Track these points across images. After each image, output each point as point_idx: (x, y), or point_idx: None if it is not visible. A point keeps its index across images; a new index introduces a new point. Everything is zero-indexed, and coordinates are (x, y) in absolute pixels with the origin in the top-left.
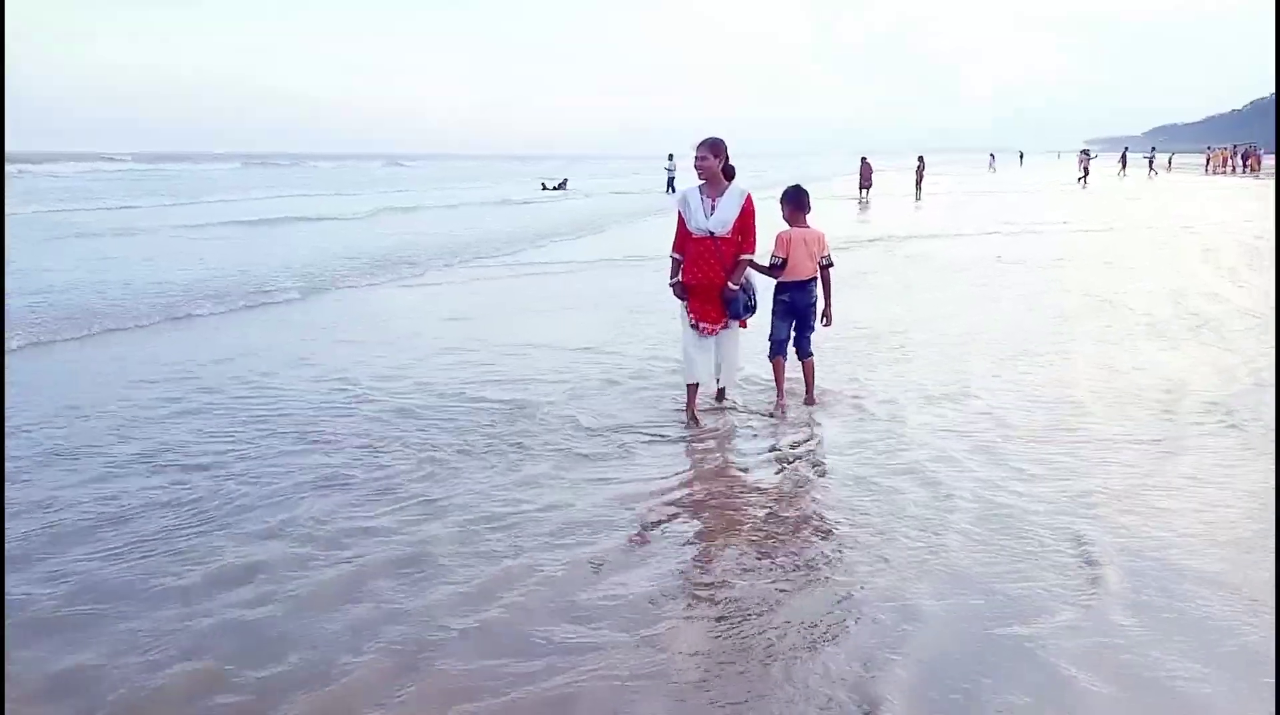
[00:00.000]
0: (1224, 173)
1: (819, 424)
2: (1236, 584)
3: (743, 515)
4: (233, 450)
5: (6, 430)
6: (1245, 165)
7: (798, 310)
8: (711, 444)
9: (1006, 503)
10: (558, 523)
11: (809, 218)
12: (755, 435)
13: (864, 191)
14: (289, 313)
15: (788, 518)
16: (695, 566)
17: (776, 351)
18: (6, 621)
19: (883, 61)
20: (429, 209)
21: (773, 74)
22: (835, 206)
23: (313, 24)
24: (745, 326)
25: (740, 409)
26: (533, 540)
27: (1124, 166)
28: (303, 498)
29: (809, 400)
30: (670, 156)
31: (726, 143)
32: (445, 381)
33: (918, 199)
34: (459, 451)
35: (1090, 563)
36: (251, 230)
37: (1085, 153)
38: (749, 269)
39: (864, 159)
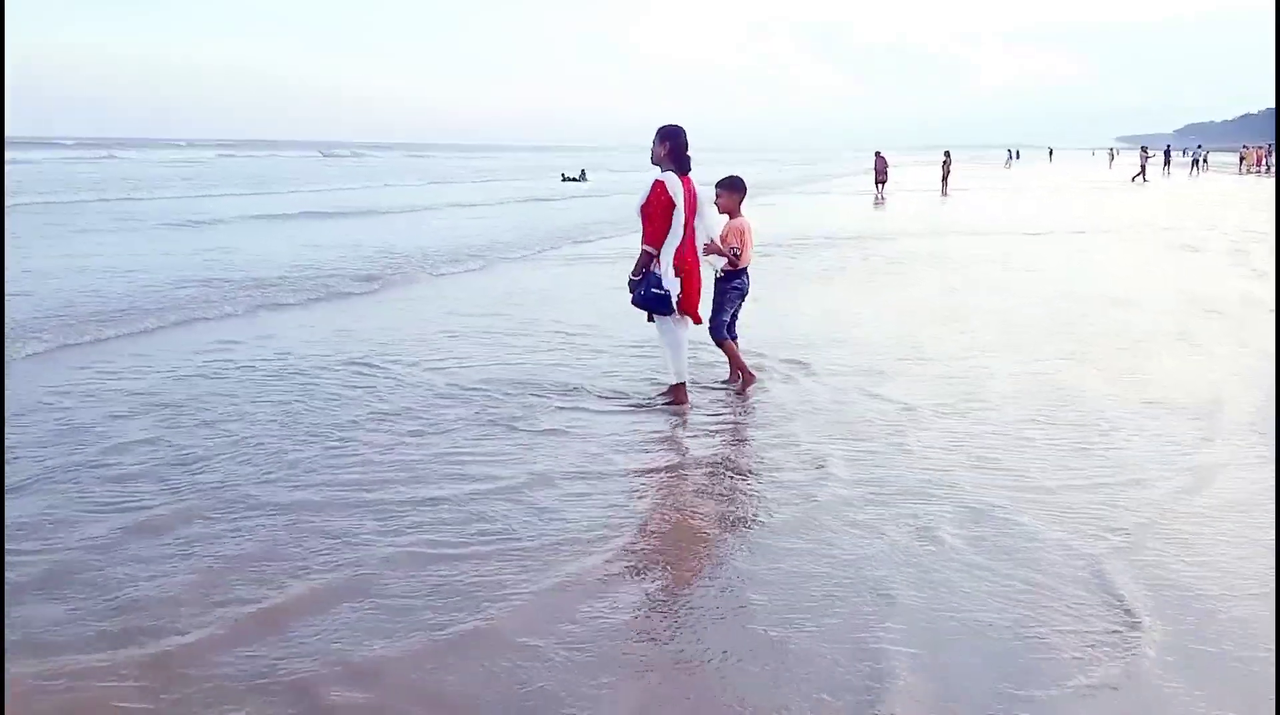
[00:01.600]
0: (1259, 171)
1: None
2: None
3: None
4: None
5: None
6: None
7: (744, 295)
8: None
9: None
10: None
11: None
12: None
13: (879, 187)
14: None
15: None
16: None
17: (723, 333)
18: None
19: (900, 62)
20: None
21: (785, 76)
22: (848, 202)
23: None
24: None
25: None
26: None
27: (1168, 163)
28: None
29: (749, 377)
30: None
31: (682, 132)
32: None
33: (944, 194)
34: None
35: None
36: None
37: (1144, 149)
38: (709, 257)
39: (878, 153)
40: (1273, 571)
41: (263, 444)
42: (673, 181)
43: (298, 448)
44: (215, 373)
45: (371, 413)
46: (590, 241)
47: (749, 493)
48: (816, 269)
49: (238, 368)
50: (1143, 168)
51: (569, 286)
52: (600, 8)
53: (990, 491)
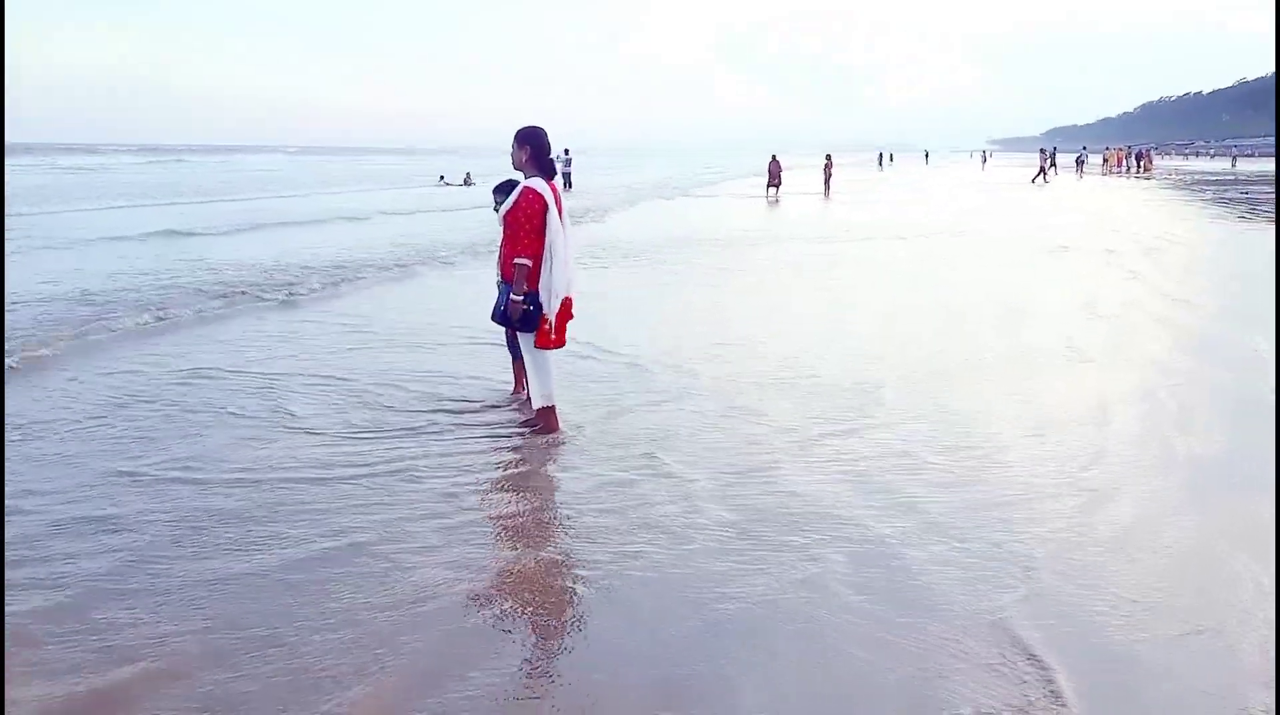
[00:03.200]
0: (1119, 172)
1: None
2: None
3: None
4: None
5: None
6: (1139, 165)
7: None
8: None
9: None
10: None
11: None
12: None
13: (772, 189)
14: None
15: None
16: None
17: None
18: None
19: (798, 72)
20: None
21: (694, 82)
22: (740, 204)
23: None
24: (536, 341)
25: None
26: None
27: (1054, 165)
28: None
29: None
30: (566, 151)
31: (542, 133)
32: None
33: (827, 197)
34: None
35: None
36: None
37: (1044, 151)
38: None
39: (774, 157)
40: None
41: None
42: (544, 189)
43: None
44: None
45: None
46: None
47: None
48: (692, 275)
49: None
50: (1043, 169)
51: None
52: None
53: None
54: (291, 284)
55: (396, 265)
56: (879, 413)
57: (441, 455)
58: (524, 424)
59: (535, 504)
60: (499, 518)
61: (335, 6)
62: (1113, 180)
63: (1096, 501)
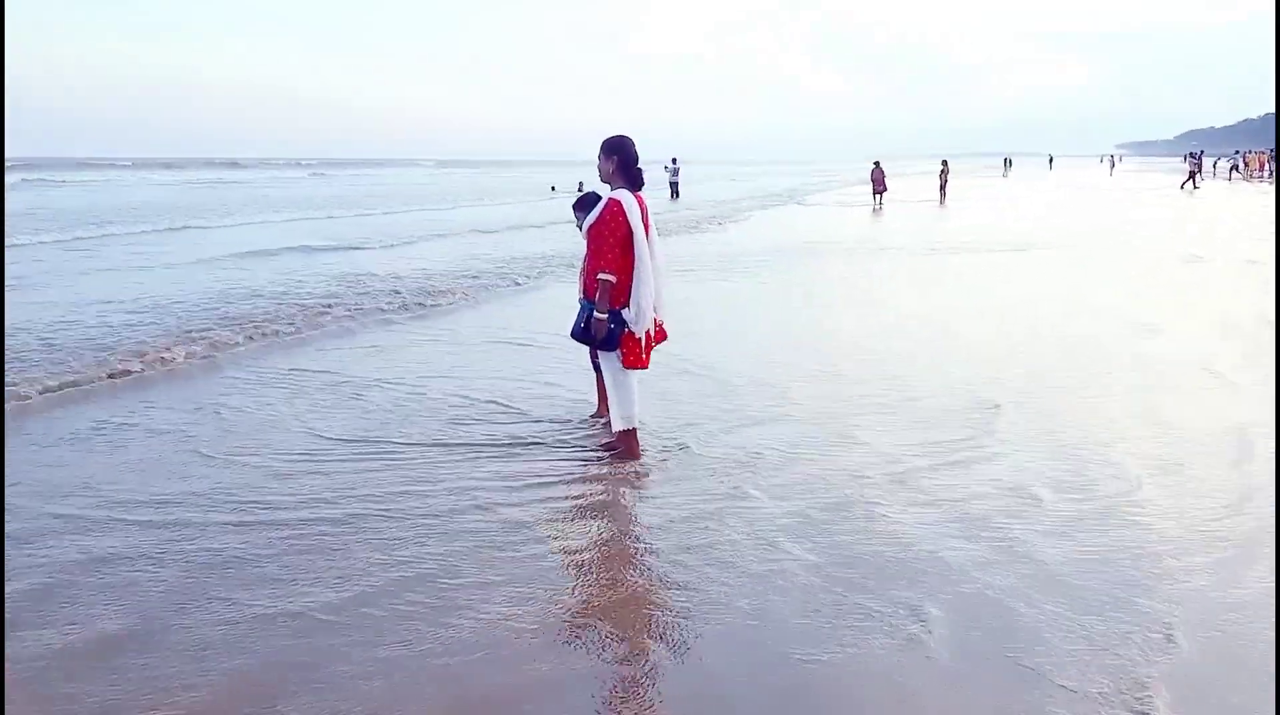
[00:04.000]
0: (1261, 177)
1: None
2: None
3: None
4: None
5: None
6: None
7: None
8: None
9: None
10: None
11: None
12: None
13: (877, 197)
14: None
15: None
16: None
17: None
18: None
19: (903, 71)
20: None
21: (786, 84)
22: (847, 213)
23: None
24: (624, 360)
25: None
26: None
27: (1199, 171)
28: None
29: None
30: (674, 160)
31: (629, 143)
32: None
33: (942, 205)
34: None
35: None
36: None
37: (1191, 155)
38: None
39: (875, 164)
40: None
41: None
42: (629, 201)
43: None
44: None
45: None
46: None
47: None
48: (804, 282)
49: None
50: (1192, 175)
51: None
52: (600, 11)
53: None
54: (396, 294)
55: (513, 280)
56: (991, 442)
57: (513, 478)
58: (604, 447)
59: (607, 538)
60: (568, 553)
61: (461, 28)
62: (1246, 186)
63: (1245, 555)
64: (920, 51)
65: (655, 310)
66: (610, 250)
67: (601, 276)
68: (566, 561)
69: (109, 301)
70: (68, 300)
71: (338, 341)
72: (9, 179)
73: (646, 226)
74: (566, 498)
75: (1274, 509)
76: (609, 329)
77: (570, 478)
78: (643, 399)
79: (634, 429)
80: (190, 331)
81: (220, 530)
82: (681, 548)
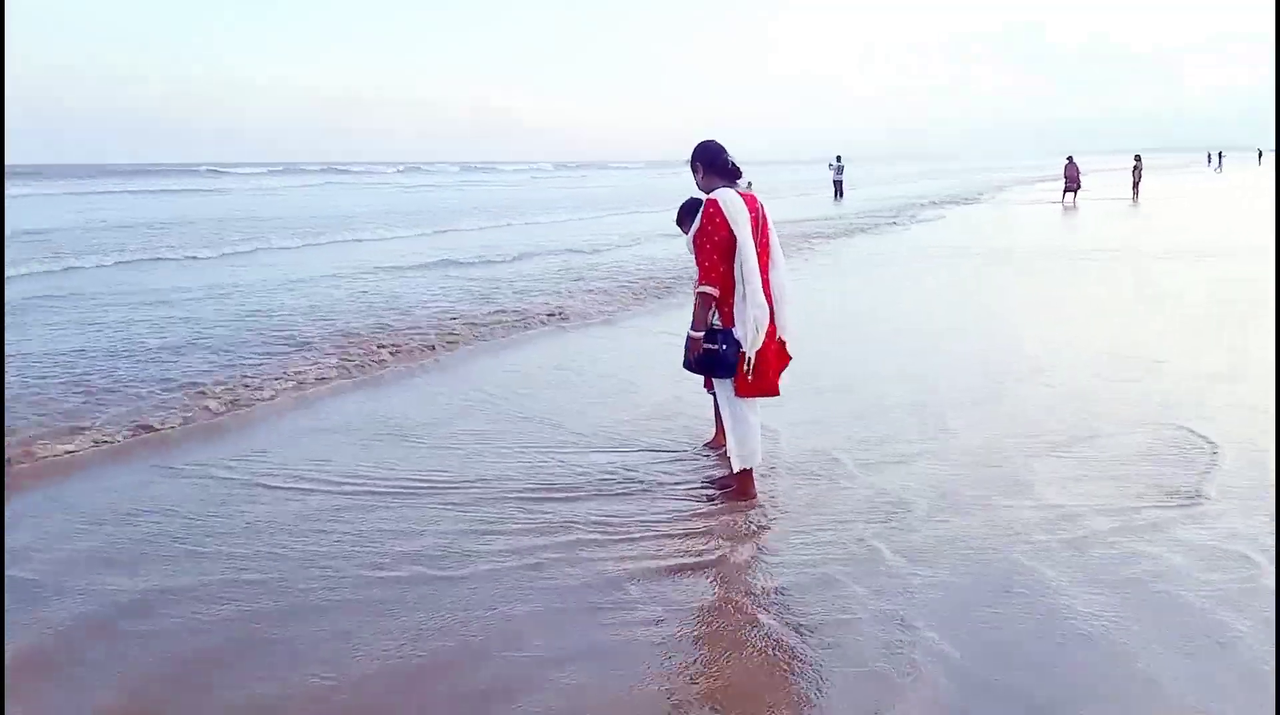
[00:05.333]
0: None
1: None
2: None
3: None
4: None
5: None
6: None
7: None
8: None
9: None
10: None
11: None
12: None
13: (1070, 195)
14: None
15: None
16: None
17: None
18: None
19: (1091, 60)
20: None
21: (968, 76)
22: (1034, 212)
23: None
24: (740, 387)
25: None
26: None
27: None
28: None
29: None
30: (838, 158)
31: (714, 146)
32: None
33: (1135, 202)
34: None
35: None
36: None
37: None
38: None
39: (1070, 159)
40: None
41: None
42: (729, 200)
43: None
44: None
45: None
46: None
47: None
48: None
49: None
50: None
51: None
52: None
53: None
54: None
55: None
56: (1200, 499)
57: (606, 522)
58: (715, 484)
59: (707, 605)
60: (653, 624)
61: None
62: None
63: None
64: (1105, 48)
65: (779, 330)
66: (707, 257)
67: (700, 289)
68: (648, 636)
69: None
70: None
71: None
72: (134, 186)
73: (761, 230)
74: (668, 546)
75: (1274, 509)
76: (719, 352)
77: (675, 522)
78: (770, 422)
79: (751, 470)
80: None
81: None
82: (792, 626)
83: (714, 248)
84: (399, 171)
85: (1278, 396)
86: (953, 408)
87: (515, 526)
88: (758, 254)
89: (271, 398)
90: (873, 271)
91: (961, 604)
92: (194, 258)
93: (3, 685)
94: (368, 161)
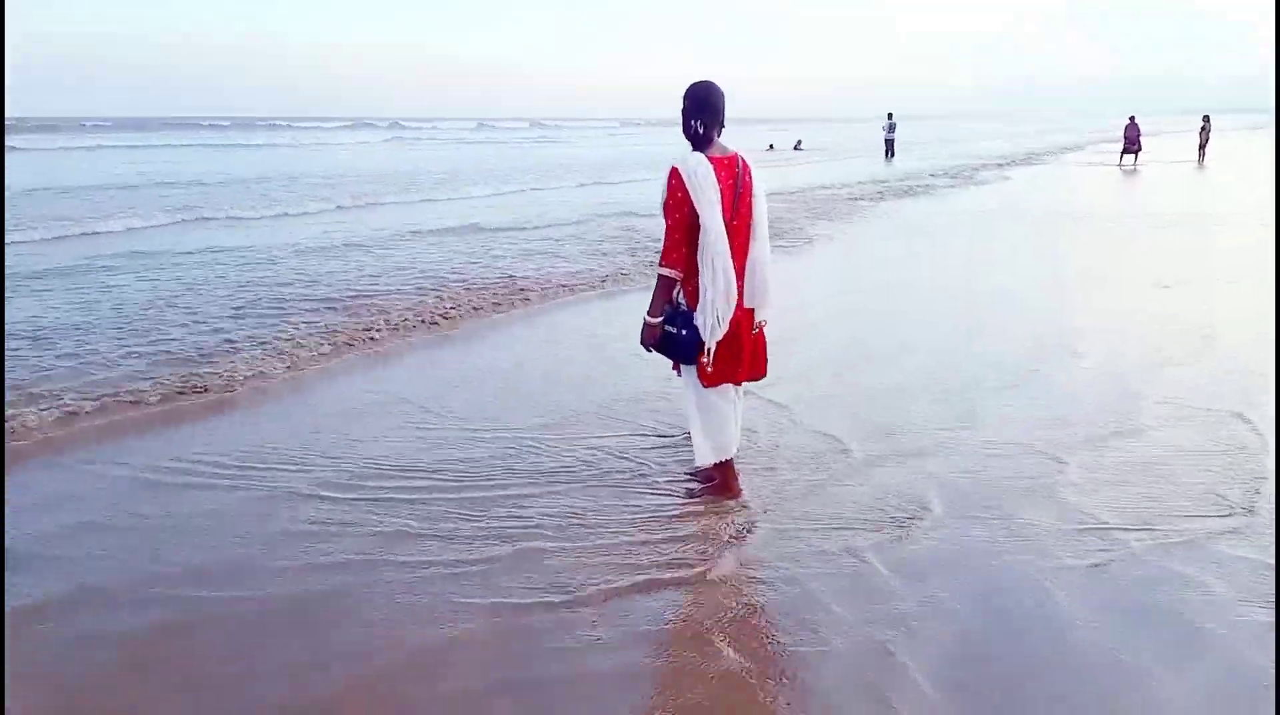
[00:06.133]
0: None
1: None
2: None
3: None
4: None
5: None
6: None
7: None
8: None
9: None
10: None
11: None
12: None
13: (1129, 157)
14: None
15: None
16: None
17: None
18: None
19: (1156, 19)
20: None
21: (1030, 37)
22: (1094, 174)
23: None
24: (704, 377)
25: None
26: None
27: None
28: None
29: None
30: (889, 116)
31: (707, 91)
32: None
33: (1200, 164)
34: None
35: None
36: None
37: None
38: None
39: (1131, 119)
40: None
41: None
42: (693, 169)
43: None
44: None
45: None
46: None
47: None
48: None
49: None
50: None
51: None
52: None
53: None
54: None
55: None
56: (1246, 514)
57: (572, 522)
58: (698, 475)
59: (665, 630)
60: (603, 650)
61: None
62: None
63: None
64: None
65: (756, 309)
66: (669, 235)
67: (660, 270)
68: (601, 664)
69: None
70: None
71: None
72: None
73: (742, 199)
74: (631, 560)
75: (1274, 510)
76: (677, 337)
77: (648, 522)
78: (781, 398)
79: (729, 460)
80: None
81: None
82: (757, 658)
83: (675, 225)
84: (474, 128)
85: (1278, 400)
86: (981, 392)
87: (461, 529)
88: (735, 228)
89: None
90: (914, 238)
91: (960, 638)
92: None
93: (2, 683)
94: (434, 118)
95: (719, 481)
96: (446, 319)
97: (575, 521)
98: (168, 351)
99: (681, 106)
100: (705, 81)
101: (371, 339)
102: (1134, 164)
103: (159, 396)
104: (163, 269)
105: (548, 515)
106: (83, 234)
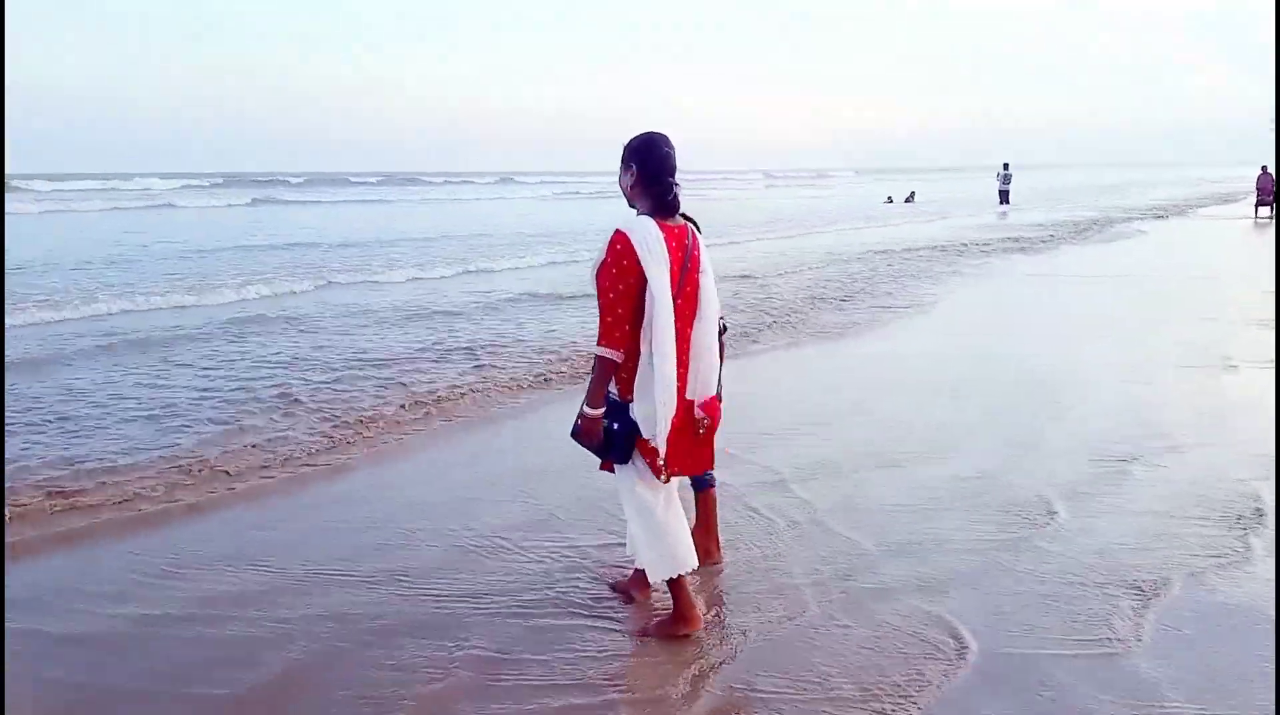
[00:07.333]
0: None
1: None
2: None
3: None
4: None
5: None
6: None
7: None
8: None
9: None
10: None
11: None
12: None
13: (1264, 209)
14: None
15: None
16: None
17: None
18: None
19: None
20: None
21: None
22: (1222, 228)
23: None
24: (611, 469)
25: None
26: None
27: None
28: None
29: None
30: (1005, 165)
31: (657, 145)
32: None
33: None
34: None
35: None
36: None
37: None
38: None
39: (1264, 169)
40: None
41: None
42: (644, 235)
43: None
44: None
45: None
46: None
47: None
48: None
49: None
50: None
51: None
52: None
53: None
54: None
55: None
56: (1250, 563)
57: (492, 669)
58: (616, 588)
59: None
60: None
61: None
62: None
63: None
64: None
65: (693, 391)
66: (610, 310)
67: (597, 351)
68: None
69: None
70: None
71: None
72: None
73: (690, 274)
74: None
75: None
76: (612, 431)
77: (586, 678)
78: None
79: (681, 577)
80: None
81: None
82: None
83: (619, 298)
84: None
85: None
86: (1042, 521)
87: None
88: (678, 308)
89: None
90: (1012, 298)
91: None
92: None
93: (2, 680)
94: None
95: (674, 611)
96: None
97: (492, 670)
98: None
99: (624, 161)
100: (653, 133)
101: None
102: (1269, 216)
103: None
104: None
105: (454, 659)
106: None
